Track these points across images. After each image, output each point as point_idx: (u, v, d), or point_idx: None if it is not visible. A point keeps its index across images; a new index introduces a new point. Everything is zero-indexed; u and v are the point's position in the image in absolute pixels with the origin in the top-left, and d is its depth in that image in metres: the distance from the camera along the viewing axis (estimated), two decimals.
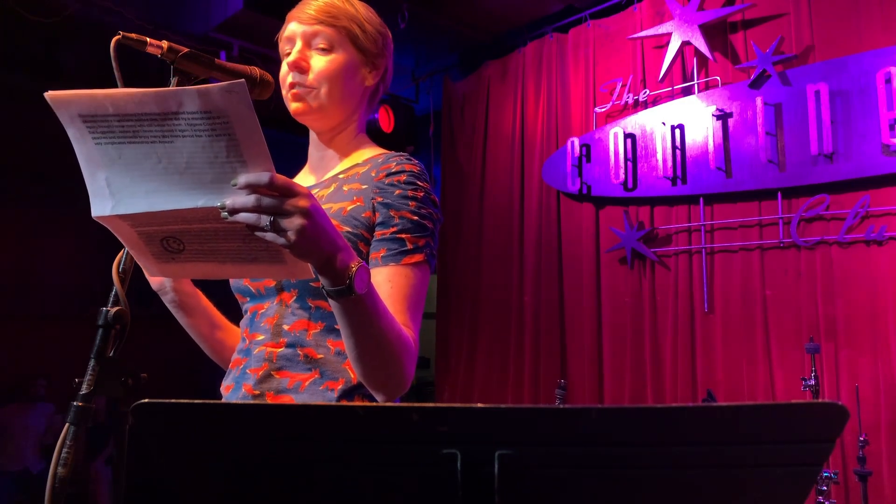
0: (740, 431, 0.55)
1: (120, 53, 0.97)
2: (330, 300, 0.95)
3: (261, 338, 1.16)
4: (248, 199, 0.82)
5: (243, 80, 0.79)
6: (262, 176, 0.81)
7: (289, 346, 1.13)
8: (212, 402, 0.59)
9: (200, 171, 0.83)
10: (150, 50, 1.00)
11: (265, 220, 0.83)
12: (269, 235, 0.84)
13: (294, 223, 0.83)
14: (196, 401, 0.59)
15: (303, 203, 0.83)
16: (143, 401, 0.60)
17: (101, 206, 0.88)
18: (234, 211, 0.82)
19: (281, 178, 0.82)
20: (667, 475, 0.58)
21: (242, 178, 0.81)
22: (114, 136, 0.83)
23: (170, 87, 0.79)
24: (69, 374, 0.94)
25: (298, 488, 0.62)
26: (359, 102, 1.27)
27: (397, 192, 1.15)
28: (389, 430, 0.58)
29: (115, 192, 0.86)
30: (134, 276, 0.98)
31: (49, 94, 0.82)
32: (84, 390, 0.86)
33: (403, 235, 1.12)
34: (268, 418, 0.60)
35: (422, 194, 1.16)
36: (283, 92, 1.21)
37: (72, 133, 0.84)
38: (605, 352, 4.26)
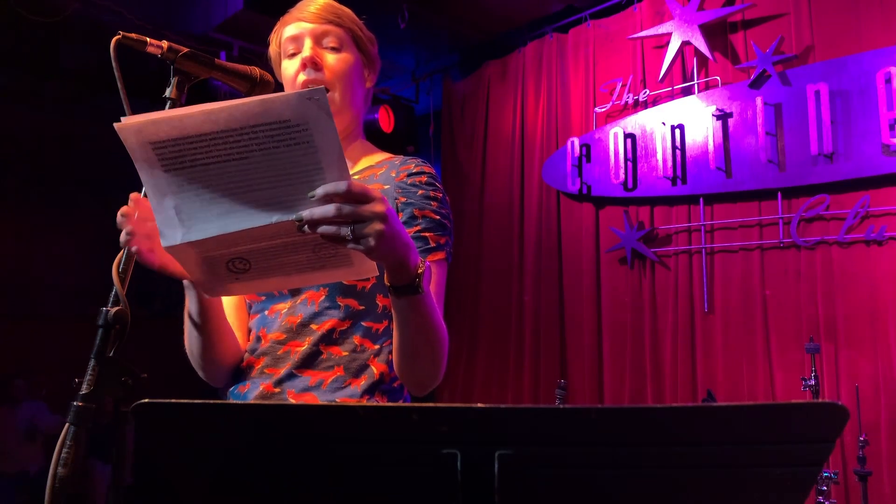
0: (740, 431, 0.55)
1: (120, 53, 0.97)
2: (396, 298, 0.97)
3: (282, 337, 1.16)
4: (328, 210, 0.81)
5: (323, 87, 0.79)
6: (340, 185, 0.81)
7: (313, 344, 1.14)
8: (212, 402, 0.59)
9: (275, 185, 0.82)
10: (150, 50, 1.00)
11: (345, 229, 0.82)
12: (350, 245, 0.84)
13: (374, 228, 0.83)
14: (196, 401, 0.59)
15: (380, 208, 0.84)
16: (143, 401, 0.60)
17: (171, 237, 0.86)
18: (313, 223, 0.82)
19: (358, 184, 0.83)
20: (667, 475, 0.58)
21: (321, 189, 0.81)
22: (184, 161, 0.81)
23: (247, 99, 0.77)
24: (68, 373, 0.94)
25: (298, 488, 0.62)
26: (362, 104, 1.28)
27: (420, 192, 1.18)
28: (389, 430, 0.58)
29: (184, 218, 0.85)
30: (134, 276, 0.97)
31: (119, 125, 0.79)
32: (84, 390, 0.86)
33: (427, 234, 1.16)
34: (268, 418, 0.60)
35: (441, 195, 1.20)
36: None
37: (140, 163, 0.82)
38: (605, 352, 4.26)
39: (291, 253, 0.90)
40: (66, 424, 0.85)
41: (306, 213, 0.82)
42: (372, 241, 0.83)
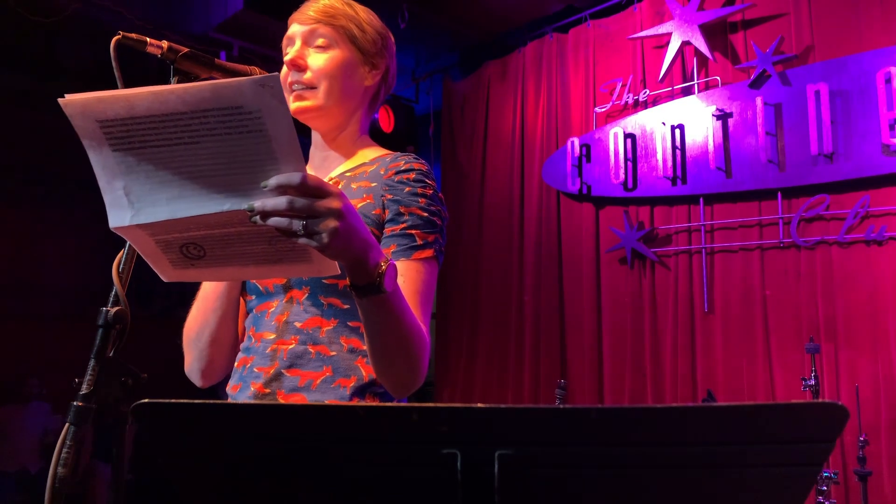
0: (740, 431, 0.55)
1: (120, 53, 0.97)
2: (358, 299, 0.95)
3: (270, 336, 1.16)
4: (280, 202, 0.78)
5: (277, 73, 0.76)
6: (293, 176, 0.78)
7: (300, 343, 1.13)
8: (212, 402, 0.59)
9: (227, 172, 0.79)
10: (150, 50, 1.00)
11: (297, 223, 0.80)
12: (302, 240, 0.81)
13: (328, 225, 0.80)
14: (196, 401, 0.59)
15: (335, 204, 0.81)
16: (143, 401, 0.60)
17: (119, 217, 0.83)
18: (264, 215, 0.79)
19: (313, 177, 0.80)
20: (667, 475, 0.58)
21: (273, 180, 0.78)
22: (133, 141, 0.78)
23: (198, 83, 0.75)
24: (69, 373, 0.94)
25: (298, 488, 0.62)
26: (359, 102, 1.27)
27: (407, 189, 1.16)
28: (389, 430, 0.58)
29: (133, 200, 0.82)
30: (134, 276, 0.97)
31: (64, 101, 0.77)
32: (84, 390, 0.86)
33: (413, 231, 1.13)
34: (268, 418, 0.60)
35: (431, 191, 1.17)
36: (285, 93, 1.21)
37: (87, 141, 0.79)
38: (605, 352, 4.26)
39: (246, 243, 0.87)
40: (66, 424, 0.86)
41: (258, 204, 0.79)
42: (325, 238, 0.81)
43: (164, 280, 0.96)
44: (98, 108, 0.77)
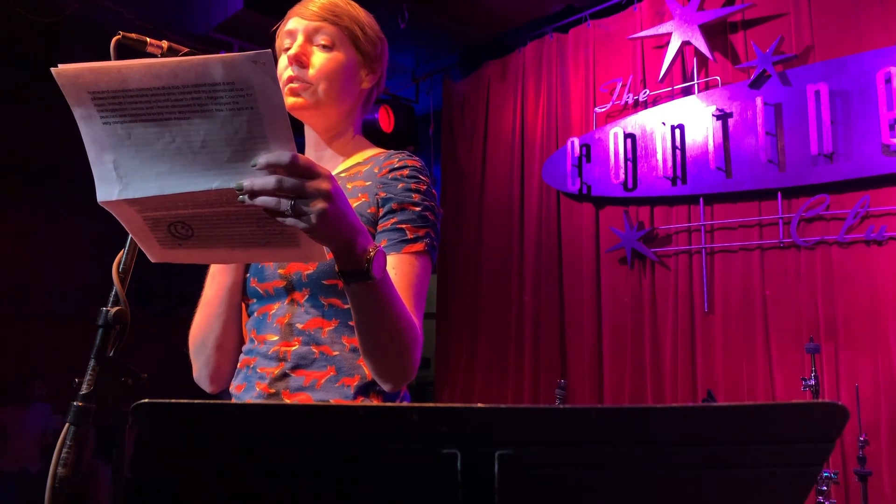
0: (740, 431, 0.55)
1: (120, 53, 0.97)
2: (346, 285, 0.94)
3: (273, 338, 1.16)
4: (269, 181, 0.78)
5: (269, 50, 0.75)
6: (283, 155, 0.78)
7: (303, 344, 1.14)
8: (212, 402, 0.59)
9: (217, 150, 0.78)
10: (150, 50, 1.00)
11: (286, 203, 0.79)
12: (290, 220, 0.81)
13: (316, 207, 0.80)
14: (196, 401, 0.59)
15: (325, 185, 0.81)
16: (143, 401, 0.60)
17: (107, 191, 0.82)
18: (253, 193, 0.79)
19: (303, 158, 0.80)
20: (667, 475, 0.58)
21: (263, 159, 0.78)
22: (124, 115, 0.78)
23: (191, 58, 0.74)
24: (69, 374, 0.94)
25: (298, 488, 0.62)
26: (355, 103, 1.27)
27: (400, 185, 1.16)
28: (389, 430, 0.58)
29: (122, 175, 0.81)
30: (134, 276, 0.97)
31: (56, 70, 0.76)
32: (84, 390, 0.86)
33: (404, 226, 1.14)
34: (267, 418, 0.60)
35: (424, 187, 1.18)
36: (281, 86, 1.21)
37: (78, 112, 0.79)
38: (605, 352, 4.26)
39: (234, 224, 0.87)
40: (67, 424, 0.86)
41: (247, 183, 0.78)
42: (313, 219, 0.80)
43: (152, 260, 0.95)
44: (89, 78, 0.76)
